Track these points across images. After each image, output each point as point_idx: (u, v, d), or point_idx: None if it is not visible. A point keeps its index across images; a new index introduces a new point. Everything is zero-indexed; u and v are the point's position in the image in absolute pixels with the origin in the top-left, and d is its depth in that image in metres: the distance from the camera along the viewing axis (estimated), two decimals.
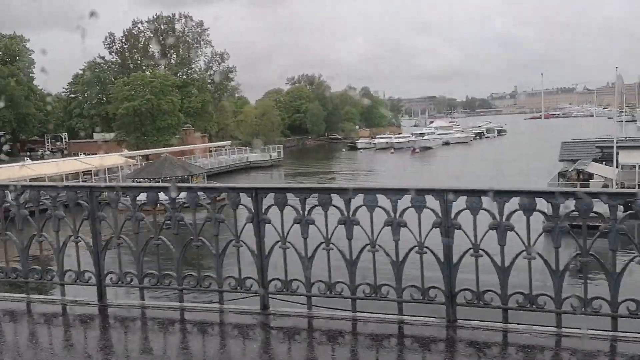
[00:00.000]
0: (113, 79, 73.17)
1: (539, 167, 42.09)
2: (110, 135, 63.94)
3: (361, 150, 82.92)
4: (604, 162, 31.34)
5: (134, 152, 52.47)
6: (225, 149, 63.01)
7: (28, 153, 59.85)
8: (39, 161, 45.60)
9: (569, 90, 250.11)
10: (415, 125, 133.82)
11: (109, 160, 46.18)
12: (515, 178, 37.21)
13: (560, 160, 35.33)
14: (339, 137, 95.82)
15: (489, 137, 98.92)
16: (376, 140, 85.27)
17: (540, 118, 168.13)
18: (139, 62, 75.76)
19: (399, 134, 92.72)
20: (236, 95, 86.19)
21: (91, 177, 42.62)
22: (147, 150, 53.99)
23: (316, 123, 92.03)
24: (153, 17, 74.58)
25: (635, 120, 67.02)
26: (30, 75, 61.27)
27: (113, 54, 74.90)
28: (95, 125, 68.20)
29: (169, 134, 60.21)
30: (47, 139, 66.05)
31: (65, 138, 66.40)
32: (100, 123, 68.15)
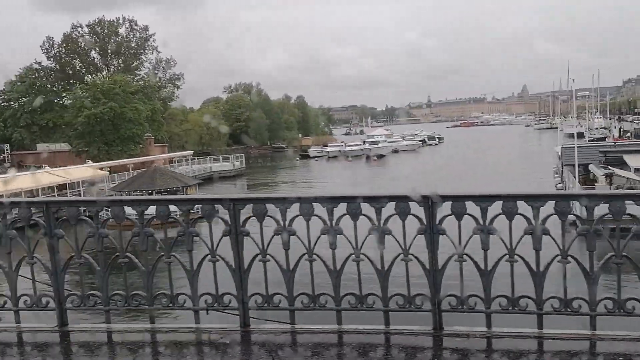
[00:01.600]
0: (50, 86, 70.29)
1: (537, 171, 44.35)
2: (55, 146, 60.89)
3: (316, 158, 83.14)
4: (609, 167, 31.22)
5: (101, 163, 49.43)
6: (187, 159, 60.99)
7: None
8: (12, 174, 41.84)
9: (480, 100, 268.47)
10: (346, 134, 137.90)
11: (77, 173, 43.31)
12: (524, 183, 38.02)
13: (565, 165, 35.32)
14: (283, 145, 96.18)
15: (431, 144, 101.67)
16: (328, 149, 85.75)
17: (460, 126, 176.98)
18: (78, 68, 73.09)
19: (342, 142, 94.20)
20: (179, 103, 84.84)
21: (66, 190, 40.26)
22: (114, 162, 50.75)
23: (259, 132, 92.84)
24: (94, 20, 71.89)
25: (556, 128, 70.90)
26: None
27: (51, 59, 71.63)
28: (35, 136, 64.79)
29: (134, 144, 57.19)
30: None
31: (7, 149, 61.66)
32: (39, 133, 64.85)
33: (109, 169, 48.19)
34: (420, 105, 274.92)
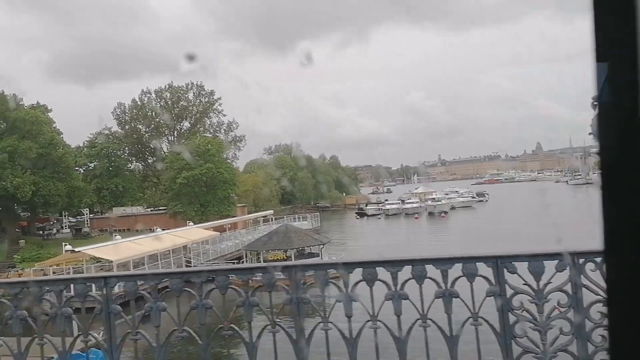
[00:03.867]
0: (118, 151, 74.33)
1: None
2: (132, 209, 63.42)
3: (378, 216, 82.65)
4: None
5: (206, 224, 50.49)
6: (267, 219, 61.06)
7: (41, 232, 58.93)
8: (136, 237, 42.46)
9: (494, 157, 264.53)
10: (373, 193, 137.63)
11: (194, 234, 45.08)
12: None
13: None
14: (327, 205, 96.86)
15: (481, 200, 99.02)
16: (387, 207, 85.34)
17: (485, 183, 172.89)
18: (143, 132, 77.11)
19: (400, 199, 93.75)
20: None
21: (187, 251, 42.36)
22: (214, 222, 51.73)
23: (305, 191, 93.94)
24: (165, 87, 76.30)
25: (591, 183, 67.33)
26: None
27: (122, 125, 76.21)
28: (104, 200, 67.40)
29: (229, 204, 58.49)
30: (64, 215, 63.74)
31: (87, 213, 63.99)
32: (109, 197, 68.12)
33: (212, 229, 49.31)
34: (435, 164, 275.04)
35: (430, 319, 3.75)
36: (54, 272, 34.39)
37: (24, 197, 46.59)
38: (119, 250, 34.90)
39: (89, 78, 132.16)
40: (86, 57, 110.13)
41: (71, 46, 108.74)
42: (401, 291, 3.79)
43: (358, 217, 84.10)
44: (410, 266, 3.79)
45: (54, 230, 61.17)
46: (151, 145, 77.46)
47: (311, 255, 39.96)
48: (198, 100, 78.31)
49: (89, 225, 62.86)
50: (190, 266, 41.74)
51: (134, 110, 74.74)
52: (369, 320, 3.77)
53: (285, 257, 39.12)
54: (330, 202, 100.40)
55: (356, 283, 3.81)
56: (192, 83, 77.30)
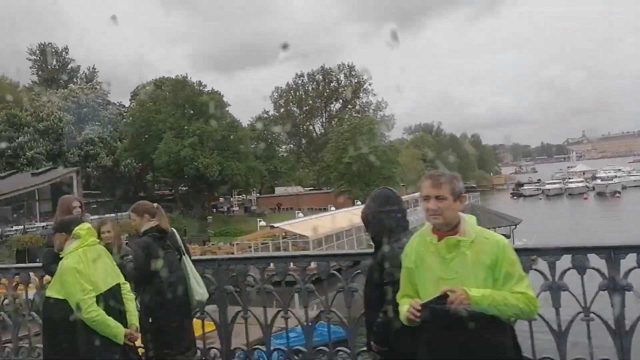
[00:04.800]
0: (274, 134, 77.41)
1: None
2: (293, 189, 65.81)
3: (539, 197, 77.36)
4: None
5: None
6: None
7: (214, 210, 63.31)
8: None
9: None
10: (516, 173, 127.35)
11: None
12: None
13: None
14: (473, 185, 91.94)
15: None
16: (547, 186, 79.63)
17: None
18: (297, 114, 79.58)
19: (562, 177, 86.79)
20: None
21: None
22: None
23: (450, 171, 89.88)
24: (318, 69, 77.75)
25: None
26: None
27: (278, 108, 79.26)
28: (264, 180, 70.39)
29: (393, 183, 57.58)
30: (232, 194, 66.91)
31: (253, 192, 66.77)
32: (268, 177, 71.25)
33: None
34: (580, 141, 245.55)
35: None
36: (255, 246, 36.65)
37: (212, 176, 50.07)
38: (312, 226, 35.91)
39: (229, 68, 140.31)
40: (226, 48, 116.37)
41: (213, 39, 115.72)
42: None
43: (515, 197, 79.40)
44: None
45: (225, 208, 65.50)
46: (304, 127, 79.85)
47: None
48: (348, 81, 78.79)
49: (255, 203, 66.36)
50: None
51: (290, 93, 77.27)
52: (580, 312, 3.48)
53: None
54: (477, 182, 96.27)
55: (564, 271, 3.49)
56: (343, 64, 78.07)
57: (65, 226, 4.06)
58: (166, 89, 54.36)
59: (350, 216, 42.15)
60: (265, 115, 77.19)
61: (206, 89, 56.35)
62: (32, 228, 40.17)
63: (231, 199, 68.85)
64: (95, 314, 3.75)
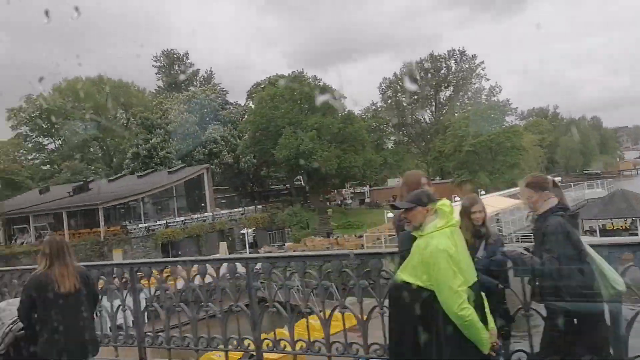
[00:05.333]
0: (382, 125, 76.51)
1: None
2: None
3: None
4: None
5: (502, 192, 47.60)
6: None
7: (327, 203, 63.82)
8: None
9: None
10: None
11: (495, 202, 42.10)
12: None
13: None
14: (597, 172, 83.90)
15: None
16: None
17: None
18: (405, 104, 77.95)
19: None
20: None
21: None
22: (512, 190, 47.75)
23: (571, 157, 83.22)
24: (426, 57, 75.72)
25: None
26: None
27: (385, 99, 78.21)
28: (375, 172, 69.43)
29: (519, 170, 54.59)
30: (346, 186, 67.33)
31: (367, 184, 66.54)
32: (378, 170, 70.22)
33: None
34: None
35: None
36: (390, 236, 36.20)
37: (330, 169, 50.53)
38: None
39: (323, 63, 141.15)
40: (319, 45, 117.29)
41: (305, 38, 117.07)
42: None
43: None
44: None
45: (338, 201, 65.98)
46: (413, 117, 78.22)
47: None
48: (459, 67, 75.91)
49: (369, 196, 66.15)
50: (503, 234, 40.18)
51: (398, 83, 75.99)
52: None
53: (626, 227, 34.43)
54: (602, 168, 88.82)
55: None
56: (453, 49, 75.31)
57: (426, 199, 3.47)
58: (283, 85, 55.61)
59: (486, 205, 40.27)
60: (374, 107, 76.59)
61: (321, 83, 56.95)
62: (172, 223, 42.99)
63: (343, 192, 69.26)
64: (468, 312, 3.17)
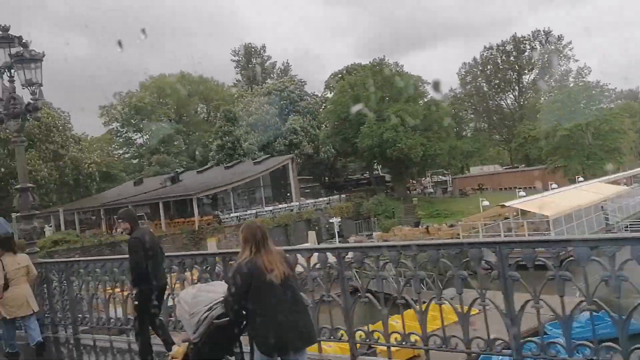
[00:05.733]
0: (461, 112, 73.85)
1: None
2: (489, 168, 62.57)
3: None
4: None
5: (602, 178, 44.92)
6: None
7: (408, 191, 62.59)
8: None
9: None
10: None
11: (596, 189, 40.64)
12: None
13: None
14: None
15: None
16: None
17: None
18: (486, 89, 74.92)
19: None
20: None
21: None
22: (613, 176, 46.14)
23: None
24: (508, 39, 72.27)
25: None
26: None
27: (464, 85, 75.57)
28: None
29: (619, 155, 52.77)
30: (426, 175, 65.81)
31: (448, 172, 65.07)
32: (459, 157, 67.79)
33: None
34: None
35: None
36: (485, 225, 34.88)
37: (416, 157, 49.41)
38: (551, 205, 32.84)
39: (390, 52, 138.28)
40: (385, 34, 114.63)
41: (371, 27, 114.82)
42: None
43: None
44: None
45: (418, 190, 64.55)
46: (494, 102, 75.21)
47: None
48: (545, 49, 71.96)
49: (451, 184, 64.25)
50: (609, 223, 37.48)
51: (478, 68, 73.24)
52: None
53: None
54: None
55: None
56: (538, 30, 71.54)
57: None
58: (364, 73, 54.94)
59: (587, 194, 37.81)
60: (452, 94, 74.23)
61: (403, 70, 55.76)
62: (262, 212, 43.65)
63: (423, 181, 67.72)
64: None
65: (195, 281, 7.20)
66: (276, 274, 4.01)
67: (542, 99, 68.67)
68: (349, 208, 48.84)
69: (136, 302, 6.13)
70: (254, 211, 43.37)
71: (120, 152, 67.30)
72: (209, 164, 57.25)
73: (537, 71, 72.79)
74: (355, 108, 51.95)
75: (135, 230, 6.11)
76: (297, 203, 46.99)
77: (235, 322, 4.24)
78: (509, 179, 58.94)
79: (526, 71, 73.15)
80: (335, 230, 41.98)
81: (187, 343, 4.59)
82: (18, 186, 9.43)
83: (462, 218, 38.71)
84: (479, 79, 74.88)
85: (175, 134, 67.63)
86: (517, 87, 74.28)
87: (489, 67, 73.40)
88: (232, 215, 42.58)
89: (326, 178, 67.55)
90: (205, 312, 4.31)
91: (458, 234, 35.50)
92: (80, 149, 51.42)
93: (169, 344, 6.19)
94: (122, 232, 6.74)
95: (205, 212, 43.49)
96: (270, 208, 44.91)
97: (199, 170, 53.97)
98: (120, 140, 67.29)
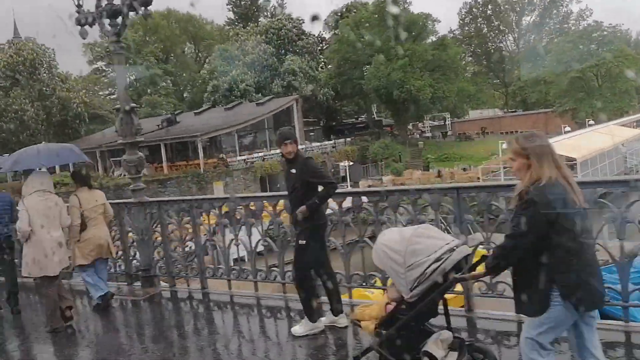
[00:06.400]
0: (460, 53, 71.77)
1: None
2: (489, 112, 61.55)
3: None
4: None
5: (617, 120, 43.97)
6: None
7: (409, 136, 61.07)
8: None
9: None
10: None
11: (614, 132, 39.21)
12: None
13: None
14: None
15: None
16: None
17: None
18: (485, 32, 72.79)
19: None
20: None
21: None
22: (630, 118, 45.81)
23: None
24: None
25: None
26: None
27: (463, 27, 73.23)
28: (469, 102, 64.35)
29: (630, 98, 51.24)
30: (425, 118, 63.95)
31: (448, 118, 63.24)
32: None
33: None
34: None
35: None
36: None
37: (424, 98, 47.80)
38: (576, 147, 32.08)
39: None
40: None
41: None
42: None
43: None
44: None
45: (416, 134, 63.24)
46: (493, 45, 73.39)
47: None
48: None
49: (450, 128, 63.15)
50: (627, 166, 37.20)
51: (478, 9, 70.86)
52: None
53: None
54: None
55: None
56: None
57: None
58: (372, 9, 52.18)
59: (604, 136, 37.05)
60: (451, 35, 71.87)
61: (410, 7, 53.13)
62: (269, 156, 41.88)
63: (419, 125, 66.40)
64: None
65: (213, 226, 6.99)
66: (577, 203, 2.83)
67: (545, 40, 67.12)
68: (354, 152, 47.45)
69: (303, 242, 4.82)
70: (260, 154, 41.59)
71: (107, 92, 63.65)
72: (204, 105, 54.59)
73: (537, 12, 70.82)
74: (364, 44, 49.51)
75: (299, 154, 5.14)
76: (303, 146, 45.25)
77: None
78: (510, 122, 58.16)
79: (527, 12, 71.14)
80: (347, 174, 40.75)
81: (383, 302, 3.67)
82: (117, 106, 7.65)
83: (471, 163, 37.84)
84: (479, 19, 72.61)
85: (163, 74, 64.22)
86: (516, 30, 72.42)
87: (490, 6, 71.05)
88: (238, 158, 40.73)
89: (322, 122, 65.56)
90: (432, 263, 3.27)
91: (478, 177, 34.69)
92: (68, 89, 48.14)
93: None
94: (284, 155, 5.35)
95: (208, 155, 41.56)
96: (278, 151, 43.12)
97: (197, 111, 51.41)
98: (106, 80, 63.51)
